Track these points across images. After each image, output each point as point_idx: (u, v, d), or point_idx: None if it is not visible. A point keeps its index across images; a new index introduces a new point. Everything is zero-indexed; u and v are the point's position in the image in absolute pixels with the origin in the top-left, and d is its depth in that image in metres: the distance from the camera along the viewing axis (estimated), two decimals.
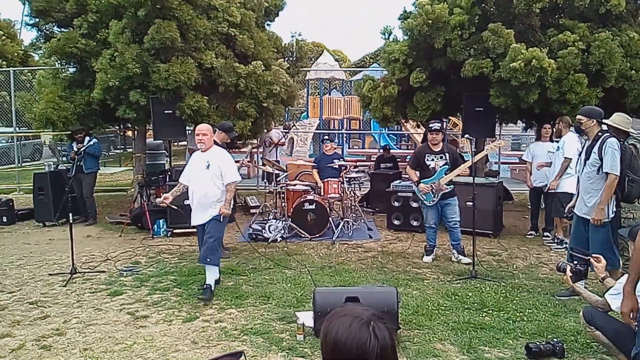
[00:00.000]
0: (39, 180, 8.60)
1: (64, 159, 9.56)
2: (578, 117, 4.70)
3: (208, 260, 5.00)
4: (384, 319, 1.40)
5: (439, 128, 6.13)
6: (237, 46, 8.19)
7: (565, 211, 5.11)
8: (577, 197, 4.82)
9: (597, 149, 4.51)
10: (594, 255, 3.68)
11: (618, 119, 4.85)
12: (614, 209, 4.55)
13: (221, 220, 5.12)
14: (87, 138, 8.44)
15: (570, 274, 3.61)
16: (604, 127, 4.65)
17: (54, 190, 8.36)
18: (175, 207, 6.02)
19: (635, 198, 4.68)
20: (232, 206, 6.55)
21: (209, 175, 5.06)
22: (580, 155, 4.89)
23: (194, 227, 5.52)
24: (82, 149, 7.83)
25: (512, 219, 8.50)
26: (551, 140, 7.26)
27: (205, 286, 4.99)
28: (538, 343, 3.70)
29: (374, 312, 1.41)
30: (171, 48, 7.42)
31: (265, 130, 10.70)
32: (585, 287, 4.61)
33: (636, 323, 3.11)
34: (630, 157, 4.52)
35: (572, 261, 3.76)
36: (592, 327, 3.45)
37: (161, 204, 5.59)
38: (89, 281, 5.57)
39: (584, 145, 4.85)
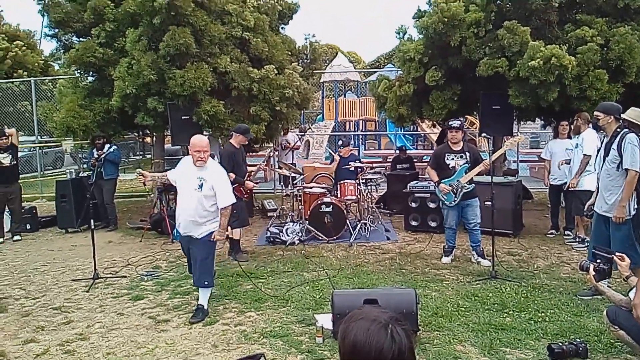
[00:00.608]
0: (61, 187, 8.77)
1: (85, 166, 9.73)
2: (595, 113, 4.65)
3: (205, 283, 4.71)
4: (402, 322, 1.40)
5: (458, 126, 6.01)
6: (252, 50, 8.26)
7: (585, 209, 5.04)
8: (597, 195, 4.74)
9: (616, 145, 4.45)
10: (617, 253, 3.61)
11: (634, 114, 4.80)
12: (635, 206, 4.47)
13: (213, 240, 4.73)
14: (107, 145, 8.58)
15: (594, 273, 3.55)
16: (623, 123, 4.58)
17: (75, 197, 8.52)
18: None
19: None
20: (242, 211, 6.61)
21: (200, 196, 4.63)
22: (598, 152, 4.82)
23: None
24: (102, 156, 7.97)
25: (532, 218, 8.39)
26: (569, 137, 7.17)
27: (198, 307, 4.73)
28: (560, 344, 3.65)
29: (391, 315, 1.41)
30: (186, 54, 7.51)
31: (281, 134, 10.75)
32: (608, 287, 4.55)
33: None
34: None
35: (595, 260, 3.70)
36: (616, 327, 3.39)
37: (139, 176, 5.35)
38: (111, 286, 5.67)
39: (602, 142, 4.78)
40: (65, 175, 9.58)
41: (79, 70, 9.01)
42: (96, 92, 8.72)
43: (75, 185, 8.71)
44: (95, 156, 8.43)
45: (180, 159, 11.67)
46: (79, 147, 12.76)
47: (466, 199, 5.98)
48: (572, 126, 7.15)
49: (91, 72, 8.84)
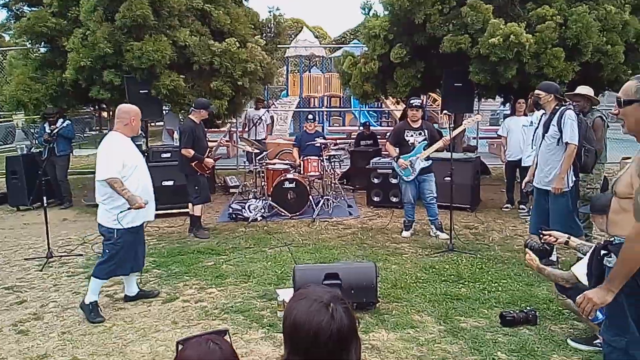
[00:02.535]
0: (11, 163, 8.42)
1: (37, 142, 9.35)
2: (536, 92, 4.79)
3: None
4: (344, 300, 1.42)
5: (419, 104, 6.24)
6: (213, 22, 8.04)
7: (523, 186, 5.18)
8: (535, 170, 4.91)
9: (555, 121, 4.64)
10: (543, 232, 3.75)
11: (587, 90, 4.98)
12: (573, 178, 4.70)
13: None
14: (61, 120, 8.25)
15: (533, 255, 3.64)
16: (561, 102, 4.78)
17: (27, 173, 8.18)
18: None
19: (591, 167, 4.88)
20: (204, 187, 6.49)
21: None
22: (536, 129, 4.98)
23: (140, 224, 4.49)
24: (55, 131, 7.66)
25: (490, 192, 8.63)
26: (525, 115, 7.36)
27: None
28: (512, 312, 3.80)
29: (334, 294, 1.43)
30: (144, 26, 7.24)
31: (245, 109, 10.59)
32: (557, 258, 4.76)
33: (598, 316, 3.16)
34: (586, 128, 4.69)
35: (541, 240, 3.83)
36: (564, 296, 3.54)
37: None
38: (65, 265, 5.52)
39: (540, 119, 4.94)
40: (16, 151, 9.17)
41: (30, 41, 8.56)
42: (49, 64, 8.33)
43: (26, 161, 8.37)
44: (48, 131, 8.10)
45: (139, 134, 11.36)
46: (31, 121, 12.23)
47: (422, 174, 6.15)
48: (527, 103, 7.35)
49: (43, 43, 8.43)
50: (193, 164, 6.31)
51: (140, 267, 4.54)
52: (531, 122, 6.79)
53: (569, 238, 3.67)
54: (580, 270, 3.25)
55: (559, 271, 3.59)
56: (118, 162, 4.08)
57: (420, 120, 6.23)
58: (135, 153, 4.35)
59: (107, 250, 4.21)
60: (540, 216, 4.74)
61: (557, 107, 4.69)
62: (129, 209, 4.10)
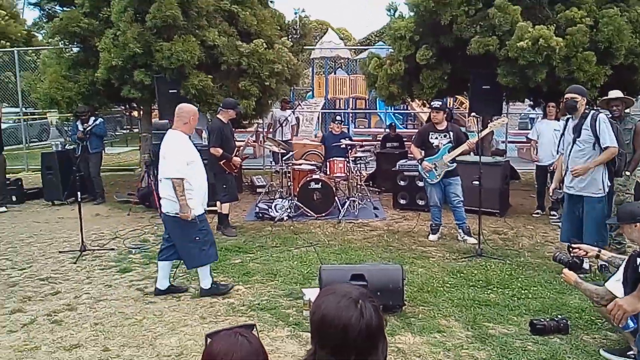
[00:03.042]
0: (46, 160, 8.66)
1: (70, 139, 9.60)
2: (572, 95, 4.66)
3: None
4: (372, 298, 1.42)
5: (438, 106, 6.17)
6: (240, 23, 8.12)
7: (551, 194, 5.06)
8: (565, 176, 4.80)
9: (588, 125, 4.56)
10: (573, 245, 3.67)
11: (619, 93, 4.89)
12: (609, 184, 4.61)
13: None
14: (92, 118, 8.45)
15: (568, 271, 3.53)
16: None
17: (61, 169, 8.41)
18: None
19: (622, 170, 4.81)
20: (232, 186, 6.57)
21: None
22: (562, 134, 4.88)
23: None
24: (87, 129, 7.85)
25: (519, 197, 8.49)
26: (557, 119, 7.22)
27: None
28: (542, 320, 3.73)
29: (363, 291, 1.42)
30: (173, 26, 7.36)
31: (272, 110, 10.66)
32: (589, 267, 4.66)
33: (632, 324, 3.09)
34: (617, 131, 4.59)
35: (570, 254, 3.76)
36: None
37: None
38: (98, 258, 5.66)
39: (566, 124, 4.84)
40: (50, 148, 9.44)
41: (62, 41, 8.78)
42: (81, 63, 8.53)
43: (61, 158, 8.60)
44: (81, 129, 8.31)
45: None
46: (65, 119, 12.55)
47: (448, 177, 6.10)
48: (559, 108, 7.22)
49: (75, 43, 8.64)
50: (221, 162, 6.39)
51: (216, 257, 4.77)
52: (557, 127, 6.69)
53: (599, 251, 3.58)
54: (614, 285, 3.17)
55: (594, 287, 3.51)
56: (182, 161, 4.32)
57: (445, 123, 6.18)
58: (194, 150, 4.54)
59: (197, 237, 4.43)
60: (573, 223, 4.66)
61: (586, 111, 4.61)
62: (176, 214, 4.33)
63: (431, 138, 6.16)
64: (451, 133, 6.13)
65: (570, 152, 4.72)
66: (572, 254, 3.69)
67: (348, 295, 1.39)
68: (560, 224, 6.74)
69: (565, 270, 3.50)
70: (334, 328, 1.36)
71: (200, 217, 4.46)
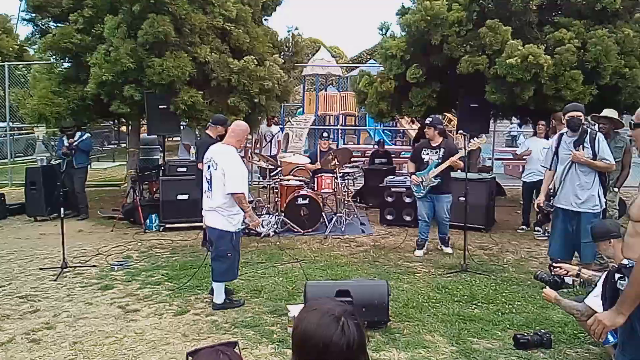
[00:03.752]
0: (31, 175, 8.55)
1: (56, 154, 9.52)
2: (577, 113, 4.72)
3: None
4: (355, 316, 1.40)
5: (429, 122, 6.29)
6: (232, 41, 8.16)
7: (540, 205, 5.01)
8: (560, 192, 4.82)
9: (588, 143, 4.64)
10: (554, 265, 3.73)
11: (612, 112, 5.00)
12: (604, 199, 4.70)
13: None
14: (79, 133, 8.40)
15: (548, 290, 3.57)
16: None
17: (46, 185, 8.30)
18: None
19: (610, 187, 5.03)
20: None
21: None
22: (556, 151, 4.92)
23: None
24: (73, 144, 7.78)
25: (504, 214, 8.54)
26: (546, 138, 7.31)
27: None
28: (526, 334, 3.73)
29: (346, 308, 1.41)
30: (165, 42, 7.39)
31: (261, 125, 10.66)
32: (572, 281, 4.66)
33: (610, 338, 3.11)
34: (610, 150, 4.73)
35: (551, 272, 3.78)
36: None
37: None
38: (79, 275, 5.56)
39: (559, 141, 4.89)
40: (36, 163, 9.34)
41: (54, 56, 8.77)
42: (71, 78, 8.49)
43: (46, 173, 8.50)
44: (66, 144, 8.26)
45: (157, 148, 11.44)
46: (52, 134, 12.47)
47: (438, 194, 6.18)
48: (549, 126, 7.36)
49: (67, 58, 8.62)
50: None
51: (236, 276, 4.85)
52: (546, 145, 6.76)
53: (579, 270, 3.64)
54: (592, 300, 3.18)
55: (574, 303, 3.51)
56: (243, 176, 4.58)
57: (440, 139, 6.27)
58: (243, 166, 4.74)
59: (227, 254, 4.59)
60: (566, 239, 4.68)
61: (585, 128, 4.69)
62: (244, 221, 4.65)
63: (423, 154, 6.29)
64: (442, 150, 6.20)
65: (568, 168, 4.75)
66: (553, 273, 3.72)
67: (330, 312, 1.38)
68: (544, 239, 6.81)
69: (545, 290, 3.53)
70: (314, 345, 1.34)
71: (237, 235, 4.64)
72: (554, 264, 3.77)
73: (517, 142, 18.91)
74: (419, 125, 11.60)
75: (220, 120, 6.48)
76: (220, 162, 4.55)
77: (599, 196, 4.64)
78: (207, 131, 6.64)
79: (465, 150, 6.16)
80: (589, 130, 4.69)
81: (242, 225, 4.72)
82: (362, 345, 1.38)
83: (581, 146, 4.69)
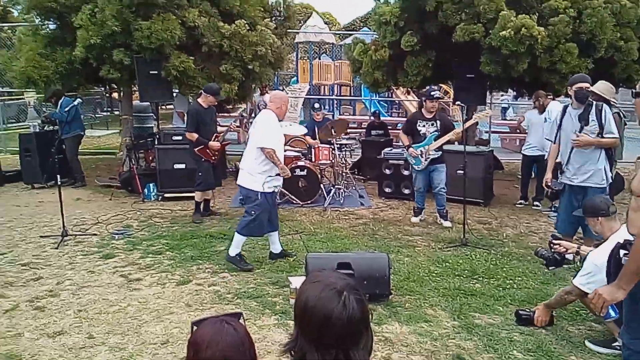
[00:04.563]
0: (25, 141, 8.44)
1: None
2: (584, 85, 4.62)
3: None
4: (357, 290, 1.40)
5: (439, 96, 6.29)
6: (222, 3, 7.90)
7: (549, 184, 4.96)
8: (567, 167, 4.77)
9: (594, 115, 4.57)
10: (554, 242, 3.78)
11: (602, 87, 5.03)
12: (610, 175, 4.68)
13: None
14: (63, 100, 8.24)
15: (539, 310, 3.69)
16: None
17: (40, 151, 8.20)
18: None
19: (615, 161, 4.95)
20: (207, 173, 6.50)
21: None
22: (560, 124, 4.83)
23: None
24: (43, 116, 7.62)
25: (503, 188, 8.57)
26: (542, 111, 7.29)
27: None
28: (528, 310, 3.79)
29: (349, 282, 1.40)
30: (152, 4, 7.15)
31: (254, 95, 10.52)
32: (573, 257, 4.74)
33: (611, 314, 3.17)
34: (617, 123, 4.71)
35: (551, 249, 3.82)
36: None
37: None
38: (80, 244, 5.56)
39: (562, 114, 4.81)
40: (29, 129, 9.18)
41: (39, 17, 8.45)
42: (58, 40, 8.19)
43: (39, 139, 8.38)
44: (45, 114, 8.12)
45: (150, 116, 11.23)
46: (43, 99, 12.23)
47: (433, 164, 6.24)
48: (536, 103, 7.30)
49: (52, 19, 8.31)
50: (196, 149, 6.27)
51: (276, 228, 5.12)
52: (545, 118, 6.74)
53: (579, 248, 3.70)
54: (586, 286, 3.25)
55: (562, 291, 3.60)
56: (275, 137, 4.82)
57: (435, 111, 6.28)
58: (281, 134, 5.02)
59: (251, 212, 4.82)
60: (569, 214, 4.62)
61: (590, 102, 4.62)
62: (277, 174, 4.86)
63: (419, 126, 6.27)
64: (439, 122, 6.24)
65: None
66: (552, 250, 3.76)
67: (332, 286, 1.37)
68: (550, 212, 6.81)
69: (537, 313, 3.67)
70: (315, 318, 1.35)
71: (262, 195, 4.80)
72: (553, 241, 3.80)
73: (507, 114, 18.96)
74: (420, 98, 11.54)
75: (210, 90, 6.34)
76: (257, 122, 4.91)
77: (605, 171, 4.61)
78: (198, 99, 6.53)
79: (472, 121, 6.17)
80: (594, 102, 4.62)
81: (273, 188, 4.92)
82: (364, 320, 1.37)
83: (584, 121, 4.63)
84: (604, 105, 4.59)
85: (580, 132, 4.64)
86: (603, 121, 4.53)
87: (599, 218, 3.57)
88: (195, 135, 6.19)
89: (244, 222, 4.85)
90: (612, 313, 3.16)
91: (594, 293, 2.37)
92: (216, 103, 6.59)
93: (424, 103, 6.36)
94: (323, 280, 1.40)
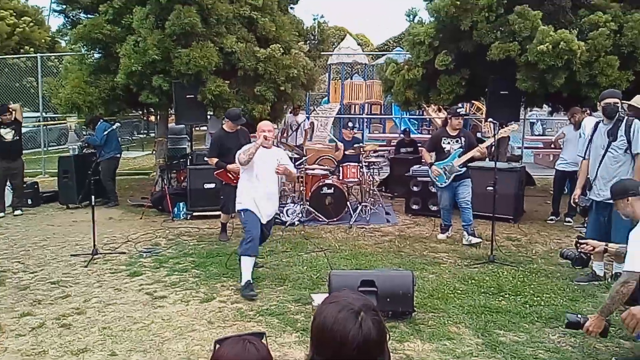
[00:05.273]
0: (63, 163, 8.77)
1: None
2: (613, 100, 4.54)
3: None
4: (375, 312, 1.38)
5: (464, 113, 6.20)
6: (259, 29, 8.17)
7: (575, 200, 4.86)
8: (594, 183, 4.66)
9: (622, 131, 4.45)
10: (580, 241, 3.64)
11: None
12: None
13: None
14: (102, 125, 8.59)
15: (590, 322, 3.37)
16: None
17: (78, 173, 8.48)
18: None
19: None
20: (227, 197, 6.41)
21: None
22: (591, 139, 4.75)
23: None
24: (83, 139, 7.96)
25: (534, 204, 8.35)
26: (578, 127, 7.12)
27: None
28: (577, 315, 3.57)
29: (366, 303, 1.39)
30: (191, 33, 7.46)
31: (287, 114, 10.69)
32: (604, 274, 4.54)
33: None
34: None
35: (577, 249, 3.69)
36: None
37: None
38: (109, 262, 5.69)
39: (594, 129, 4.72)
40: (68, 152, 9.57)
41: (85, 47, 8.94)
42: (102, 69, 8.66)
43: (77, 162, 8.70)
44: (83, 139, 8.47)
45: (184, 137, 11.56)
46: (84, 124, 12.76)
47: (458, 180, 6.16)
48: (571, 119, 7.16)
49: (98, 49, 8.77)
50: (215, 173, 6.34)
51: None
52: (580, 134, 6.56)
53: (606, 245, 3.57)
54: (632, 264, 3.07)
55: (611, 291, 3.40)
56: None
57: (459, 128, 6.27)
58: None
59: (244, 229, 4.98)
60: (598, 231, 4.50)
61: (620, 117, 4.52)
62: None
63: (443, 143, 6.25)
64: (463, 139, 6.21)
65: (602, 157, 4.59)
66: (579, 250, 3.62)
67: (349, 307, 1.36)
68: (583, 229, 6.57)
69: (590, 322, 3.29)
70: (331, 339, 1.34)
71: (244, 213, 4.85)
72: (580, 241, 3.66)
73: (534, 129, 18.49)
74: (446, 112, 11.42)
75: (229, 115, 6.36)
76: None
77: None
78: (223, 125, 6.55)
79: (495, 138, 6.07)
80: (625, 117, 4.49)
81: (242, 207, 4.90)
82: (379, 343, 1.36)
83: (612, 136, 4.51)
84: (635, 120, 4.45)
85: (607, 148, 4.54)
86: (632, 137, 4.40)
87: (629, 199, 3.37)
88: (215, 160, 6.21)
89: (241, 242, 4.94)
90: None
91: (627, 313, 2.27)
92: (238, 128, 6.57)
93: (449, 120, 6.34)
94: (341, 301, 1.39)
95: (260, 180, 4.86)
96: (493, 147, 6.93)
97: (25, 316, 4.27)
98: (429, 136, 15.49)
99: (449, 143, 6.21)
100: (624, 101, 5.38)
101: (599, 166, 4.60)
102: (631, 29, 6.58)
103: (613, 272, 4.58)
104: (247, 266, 4.73)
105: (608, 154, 4.56)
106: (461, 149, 6.12)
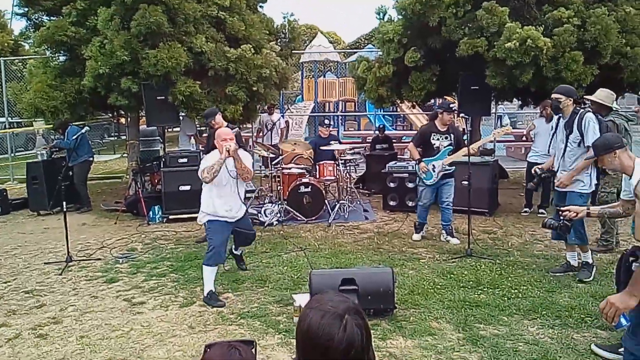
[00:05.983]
0: (32, 169, 8.53)
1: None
2: (556, 96, 4.71)
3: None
4: (359, 314, 1.39)
5: (448, 108, 6.13)
6: (228, 29, 8.07)
7: (534, 170, 5.01)
8: (557, 175, 4.81)
9: (576, 124, 4.59)
10: (562, 208, 3.66)
11: (602, 95, 5.01)
12: (595, 182, 4.66)
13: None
14: (71, 129, 8.38)
15: (574, 208, 3.57)
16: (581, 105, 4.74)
17: (47, 179, 8.27)
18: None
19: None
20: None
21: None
22: (553, 134, 4.89)
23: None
24: (52, 144, 7.77)
25: (508, 197, 8.51)
26: (550, 120, 7.28)
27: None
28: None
29: (350, 306, 1.40)
30: (158, 33, 7.31)
31: (260, 115, 10.61)
32: (578, 264, 4.65)
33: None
34: (606, 129, 4.60)
35: (559, 218, 3.74)
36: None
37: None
38: (84, 269, 5.57)
39: (557, 123, 4.86)
40: (36, 157, 9.31)
41: (49, 50, 8.69)
42: (67, 72, 8.43)
43: (47, 167, 8.46)
44: (53, 143, 8.28)
45: (157, 139, 11.40)
46: (52, 128, 12.45)
47: (444, 179, 6.11)
48: (543, 112, 7.32)
49: (62, 52, 8.55)
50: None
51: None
52: (551, 126, 6.71)
53: (588, 209, 3.58)
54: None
55: (609, 206, 3.49)
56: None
57: (449, 124, 6.18)
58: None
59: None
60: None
61: (575, 111, 4.65)
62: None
63: (433, 138, 6.11)
64: (452, 135, 6.12)
65: (564, 150, 4.72)
66: (561, 217, 3.65)
67: (333, 311, 1.37)
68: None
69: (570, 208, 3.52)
70: (316, 344, 1.35)
71: (207, 223, 4.74)
72: (562, 208, 3.68)
73: (503, 123, 18.84)
74: (420, 109, 11.52)
75: (205, 114, 6.38)
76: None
77: (590, 177, 4.60)
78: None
79: (495, 139, 6.11)
80: (579, 111, 4.62)
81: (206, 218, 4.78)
82: (364, 347, 1.37)
83: (569, 129, 4.65)
84: (587, 114, 4.57)
85: (566, 141, 4.68)
86: (583, 130, 4.53)
87: (616, 152, 3.22)
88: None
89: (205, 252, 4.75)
90: (624, 322, 3.08)
91: (605, 302, 2.32)
92: (217, 126, 6.51)
93: (440, 115, 6.15)
94: (324, 304, 1.40)
95: (219, 184, 4.70)
96: (466, 142, 7.02)
97: (0, 327, 4.16)
98: (404, 132, 15.69)
99: (438, 139, 6.10)
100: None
101: (561, 159, 4.75)
102: (594, 24, 6.73)
103: (582, 261, 4.73)
104: (208, 276, 4.59)
105: (567, 147, 4.69)
106: (451, 147, 6.04)
